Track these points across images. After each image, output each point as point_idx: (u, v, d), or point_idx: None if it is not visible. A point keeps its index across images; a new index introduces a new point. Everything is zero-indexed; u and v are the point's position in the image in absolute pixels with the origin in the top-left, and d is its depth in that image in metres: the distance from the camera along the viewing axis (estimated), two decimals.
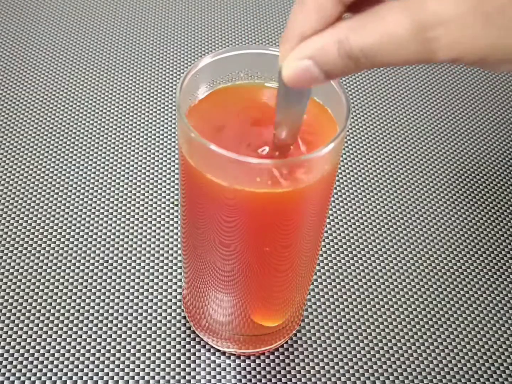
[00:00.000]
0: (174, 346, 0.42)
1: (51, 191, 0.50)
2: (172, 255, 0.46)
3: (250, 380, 0.40)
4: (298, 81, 0.27)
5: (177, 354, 0.41)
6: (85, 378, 0.40)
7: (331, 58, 0.25)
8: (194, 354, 0.41)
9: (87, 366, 0.40)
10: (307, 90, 0.29)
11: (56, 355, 0.41)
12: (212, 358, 0.41)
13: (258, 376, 0.41)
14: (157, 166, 0.52)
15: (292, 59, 0.26)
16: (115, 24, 0.65)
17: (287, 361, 0.41)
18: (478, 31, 0.24)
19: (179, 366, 0.41)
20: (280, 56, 0.27)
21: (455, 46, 0.24)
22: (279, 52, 0.28)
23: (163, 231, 0.48)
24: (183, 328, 0.42)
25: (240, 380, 0.40)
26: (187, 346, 0.42)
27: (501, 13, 0.24)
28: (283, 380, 0.40)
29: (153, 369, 0.40)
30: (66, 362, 0.40)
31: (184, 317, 0.43)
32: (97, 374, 0.40)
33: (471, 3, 0.24)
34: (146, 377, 0.40)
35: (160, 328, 0.42)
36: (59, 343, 0.41)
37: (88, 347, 0.41)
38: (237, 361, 0.41)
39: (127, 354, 0.41)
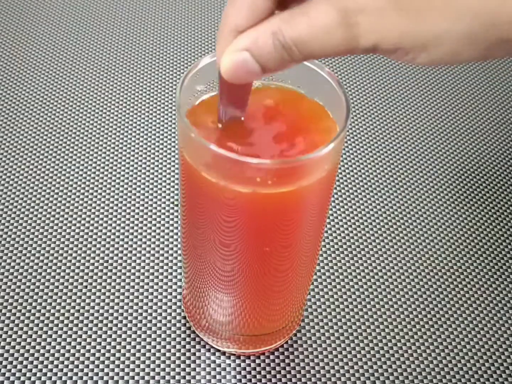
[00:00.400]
0: (174, 346, 0.42)
1: (51, 191, 0.50)
2: (172, 255, 0.46)
3: (250, 380, 0.40)
4: (236, 74, 0.27)
5: (177, 354, 0.41)
6: (85, 378, 0.40)
7: (267, 49, 0.26)
8: (194, 354, 0.41)
9: (87, 366, 0.40)
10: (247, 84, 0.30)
11: (56, 355, 0.41)
12: (212, 358, 0.41)
13: (258, 376, 0.41)
14: (157, 166, 0.52)
15: (229, 53, 0.27)
16: (115, 24, 0.65)
17: (287, 361, 0.41)
18: (392, 18, 0.25)
19: (179, 366, 0.41)
20: (217, 54, 0.28)
21: (374, 32, 0.25)
22: (216, 51, 0.28)
23: (163, 231, 0.48)
24: (183, 328, 0.42)
25: (240, 380, 0.40)
26: (187, 346, 0.42)
27: (410, 1, 0.25)
28: (283, 380, 0.40)
29: (153, 369, 0.40)
30: (66, 362, 0.40)
31: (184, 317, 0.43)
32: (97, 374, 0.40)
33: None
34: (146, 377, 0.40)
35: (160, 328, 0.42)
36: (59, 343, 0.41)
37: (88, 347, 0.41)
38: (237, 361, 0.41)
39: (127, 354, 0.41)
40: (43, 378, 0.40)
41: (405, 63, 0.62)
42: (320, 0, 0.26)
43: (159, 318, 0.43)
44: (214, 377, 0.40)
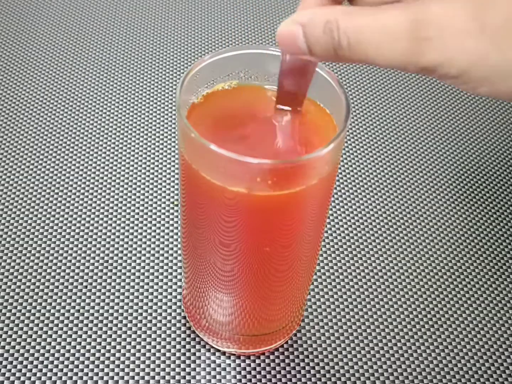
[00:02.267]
0: (174, 346, 0.42)
1: (51, 191, 0.50)
2: (172, 255, 0.46)
3: (250, 380, 0.40)
4: (285, 43, 0.27)
5: (177, 354, 0.41)
6: (85, 378, 0.40)
7: (316, 31, 0.26)
8: (194, 354, 0.41)
9: (87, 366, 0.40)
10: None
11: (56, 355, 0.41)
12: (212, 358, 0.41)
13: (258, 376, 0.41)
14: (157, 166, 0.52)
15: (289, 20, 0.27)
16: (115, 24, 0.65)
17: (287, 361, 0.41)
18: (469, 42, 0.23)
19: (179, 366, 0.41)
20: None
21: (445, 51, 0.23)
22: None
23: (163, 231, 0.48)
24: (183, 328, 0.42)
25: (240, 380, 0.40)
26: (187, 346, 0.42)
27: (498, 28, 0.23)
28: (283, 380, 0.40)
29: (153, 369, 0.40)
30: (66, 362, 0.40)
31: (184, 317, 0.43)
32: (97, 374, 0.40)
33: (472, 12, 0.23)
34: (146, 377, 0.40)
35: (160, 328, 0.42)
36: (59, 343, 0.41)
37: (88, 347, 0.41)
38: (237, 361, 0.41)
39: (127, 354, 0.41)
40: (43, 378, 0.40)
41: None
42: (397, 5, 0.24)
43: (159, 318, 0.43)
44: (214, 377, 0.40)
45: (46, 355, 0.41)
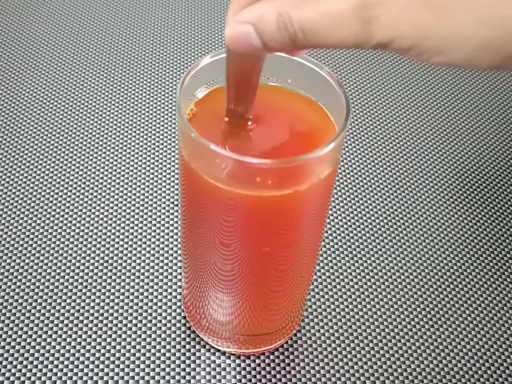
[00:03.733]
0: (174, 346, 0.42)
1: (51, 191, 0.50)
2: (172, 255, 0.46)
3: (250, 380, 0.40)
4: (237, 44, 0.27)
5: (177, 354, 0.41)
6: (85, 378, 0.40)
7: (269, 28, 0.25)
8: (194, 354, 0.41)
9: (87, 366, 0.40)
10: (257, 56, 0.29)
11: (56, 355, 0.41)
12: (212, 358, 0.41)
13: (258, 376, 0.41)
14: (157, 166, 0.52)
15: (235, 22, 0.27)
16: (115, 24, 0.65)
17: (287, 361, 0.41)
18: (416, 15, 0.24)
19: (179, 366, 0.41)
20: (228, 18, 0.28)
21: (393, 27, 0.24)
22: (228, 16, 0.28)
23: (163, 231, 0.48)
24: (183, 328, 0.42)
25: (240, 380, 0.40)
26: (187, 346, 0.42)
27: (442, 2, 0.24)
28: (283, 380, 0.40)
29: (153, 369, 0.40)
30: (66, 362, 0.40)
31: (184, 317, 0.43)
32: (97, 374, 0.40)
33: None
34: (146, 377, 0.40)
35: (160, 328, 0.42)
36: (59, 343, 0.41)
37: (88, 347, 0.41)
38: (237, 361, 0.41)
39: (127, 354, 0.41)
40: (43, 378, 0.40)
41: (412, 61, 0.62)
42: None
43: (159, 318, 0.43)
44: (214, 377, 0.40)
45: (46, 355, 0.41)
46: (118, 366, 0.40)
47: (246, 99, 0.31)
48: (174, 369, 0.40)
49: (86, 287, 0.44)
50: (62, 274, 0.45)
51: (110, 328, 0.42)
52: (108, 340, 0.42)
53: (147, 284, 0.45)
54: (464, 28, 0.24)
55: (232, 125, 0.32)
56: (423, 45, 0.25)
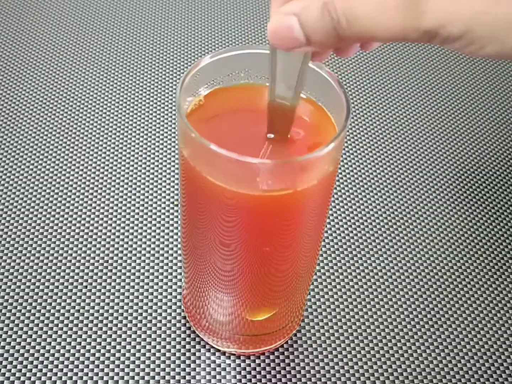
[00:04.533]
0: (174, 346, 0.42)
1: (51, 191, 0.50)
2: (172, 255, 0.46)
3: (250, 380, 0.40)
4: (280, 38, 0.26)
5: (177, 354, 0.41)
6: (85, 378, 0.40)
7: (314, 18, 0.25)
8: (194, 354, 0.41)
9: (87, 366, 0.40)
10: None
11: (56, 355, 0.41)
12: (212, 358, 0.41)
13: (258, 376, 0.41)
14: (157, 166, 0.52)
15: (279, 14, 0.26)
16: (115, 24, 0.65)
17: (287, 361, 0.41)
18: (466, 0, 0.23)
19: (179, 366, 0.41)
20: (270, 15, 0.27)
21: (443, 11, 0.23)
22: (270, 12, 0.27)
23: (163, 231, 0.48)
24: (183, 328, 0.42)
25: (240, 380, 0.40)
26: (187, 346, 0.42)
27: None
28: (283, 380, 0.40)
29: (153, 369, 0.40)
30: (66, 362, 0.40)
31: (184, 317, 0.43)
32: (97, 374, 0.40)
33: None
34: (146, 377, 0.40)
35: (160, 328, 0.42)
36: (59, 343, 0.41)
37: (88, 347, 0.41)
38: (237, 361, 0.41)
39: (127, 354, 0.41)
40: (43, 378, 0.40)
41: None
42: None
43: (159, 318, 0.43)
44: (214, 377, 0.40)
45: (46, 355, 0.41)
46: (118, 366, 0.40)
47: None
48: (174, 369, 0.40)
49: (86, 287, 0.44)
50: (62, 274, 0.45)
51: (110, 328, 0.42)
52: (108, 340, 0.42)
53: (147, 284, 0.45)
54: None
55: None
56: (475, 31, 0.23)
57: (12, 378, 0.39)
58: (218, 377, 0.40)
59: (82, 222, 0.48)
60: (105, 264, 0.45)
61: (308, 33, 0.25)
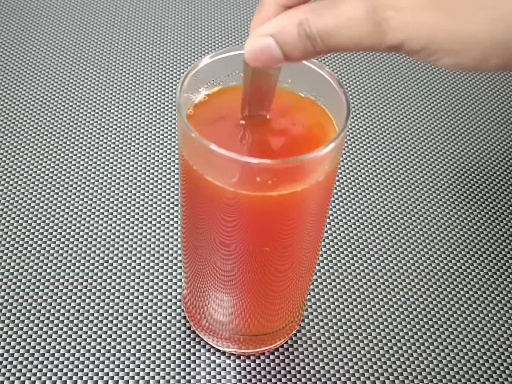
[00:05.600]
0: (174, 346, 0.42)
1: (51, 191, 0.50)
2: (172, 255, 0.46)
3: (250, 380, 0.40)
4: (258, 59, 0.27)
5: (177, 354, 0.41)
6: (85, 378, 0.40)
7: (291, 38, 0.26)
8: (194, 354, 0.41)
9: (87, 366, 0.40)
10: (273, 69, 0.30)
11: (56, 355, 0.41)
12: (212, 358, 0.41)
13: (258, 376, 0.41)
14: (157, 166, 0.52)
15: (254, 36, 0.27)
16: (115, 24, 0.65)
17: (287, 361, 0.41)
18: (424, 17, 0.25)
19: (179, 366, 0.41)
20: (250, 33, 0.28)
21: (403, 29, 0.25)
22: (250, 31, 0.28)
23: (163, 231, 0.48)
24: (183, 328, 0.42)
25: (240, 380, 0.40)
26: (187, 346, 0.42)
27: (453, 1, 0.25)
28: (283, 380, 0.40)
29: (153, 369, 0.40)
30: (66, 362, 0.40)
31: (184, 317, 0.43)
32: (97, 374, 0.40)
33: None
34: (146, 377, 0.40)
35: (160, 328, 0.42)
36: (59, 343, 0.41)
37: (88, 347, 0.41)
38: (237, 361, 0.41)
39: (127, 354, 0.41)
40: (43, 378, 0.40)
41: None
42: None
43: (159, 318, 0.43)
44: (214, 377, 0.40)
45: (46, 355, 0.41)
46: (118, 366, 0.40)
47: (261, 108, 0.32)
48: (174, 369, 0.40)
49: (86, 287, 0.44)
50: (62, 274, 0.45)
51: (110, 328, 0.42)
52: (108, 340, 0.42)
53: (147, 284, 0.45)
54: (476, 28, 0.24)
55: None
56: (433, 46, 0.25)
57: (12, 378, 0.39)
58: (218, 377, 0.40)
59: (82, 222, 0.48)
60: (105, 264, 0.45)
61: (287, 51, 0.27)
